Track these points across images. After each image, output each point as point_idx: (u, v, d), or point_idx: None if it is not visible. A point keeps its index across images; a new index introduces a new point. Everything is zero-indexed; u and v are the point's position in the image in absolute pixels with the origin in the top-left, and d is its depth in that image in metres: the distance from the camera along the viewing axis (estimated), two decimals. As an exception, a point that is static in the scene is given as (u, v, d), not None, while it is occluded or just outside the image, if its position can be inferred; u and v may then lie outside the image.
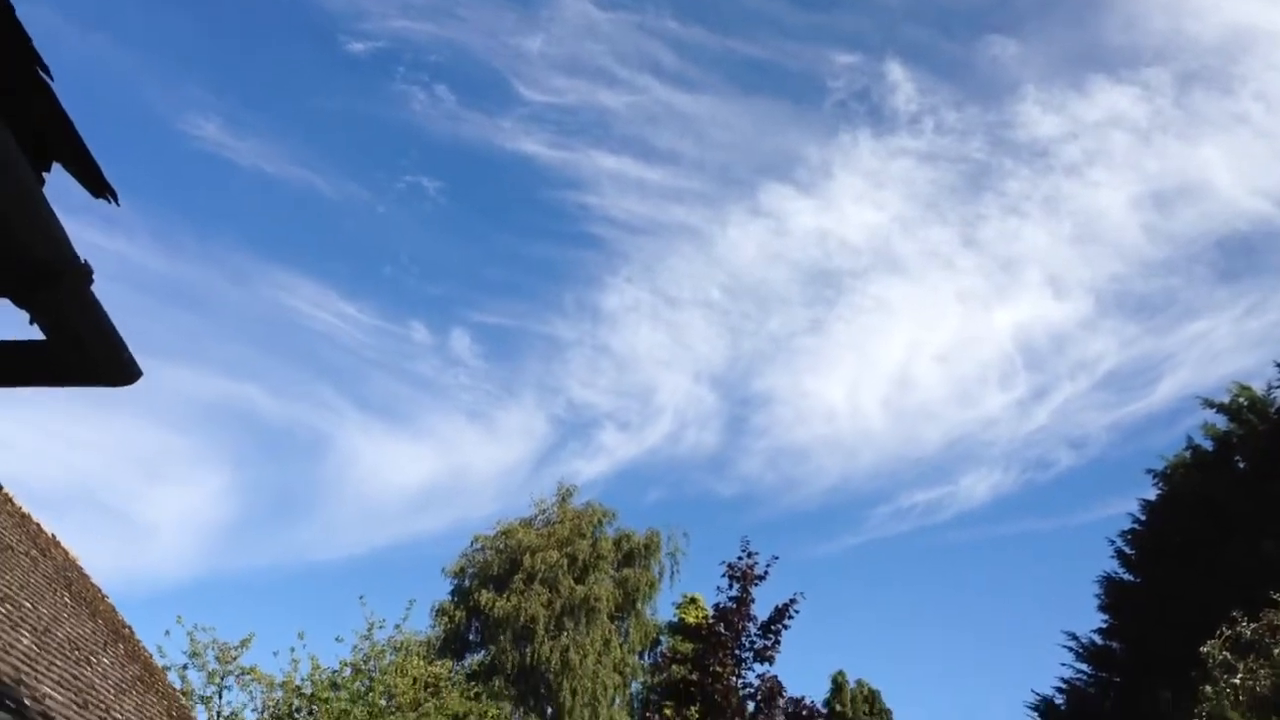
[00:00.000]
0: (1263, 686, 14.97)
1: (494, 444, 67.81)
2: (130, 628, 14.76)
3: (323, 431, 70.59)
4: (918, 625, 69.44)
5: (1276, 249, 63.04)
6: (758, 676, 19.39)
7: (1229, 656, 16.39)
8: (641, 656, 39.68)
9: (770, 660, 19.50)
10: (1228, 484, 24.16)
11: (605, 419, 69.29)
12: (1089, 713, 25.85)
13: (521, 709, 36.64)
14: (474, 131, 73.00)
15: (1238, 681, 15.51)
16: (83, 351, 3.47)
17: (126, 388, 3.92)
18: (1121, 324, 66.97)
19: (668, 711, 21.13)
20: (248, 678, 23.13)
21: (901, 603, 71.96)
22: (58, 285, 3.24)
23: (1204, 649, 17.02)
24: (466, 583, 39.86)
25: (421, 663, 27.50)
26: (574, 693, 36.16)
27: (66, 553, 14.43)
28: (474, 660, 37.74)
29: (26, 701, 7.79)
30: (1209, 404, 26.12)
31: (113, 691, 10.81)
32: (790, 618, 19.62)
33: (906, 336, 70.53)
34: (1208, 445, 26.09)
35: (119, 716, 10.19)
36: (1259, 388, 25.42)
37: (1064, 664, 27.61)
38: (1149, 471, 27.09)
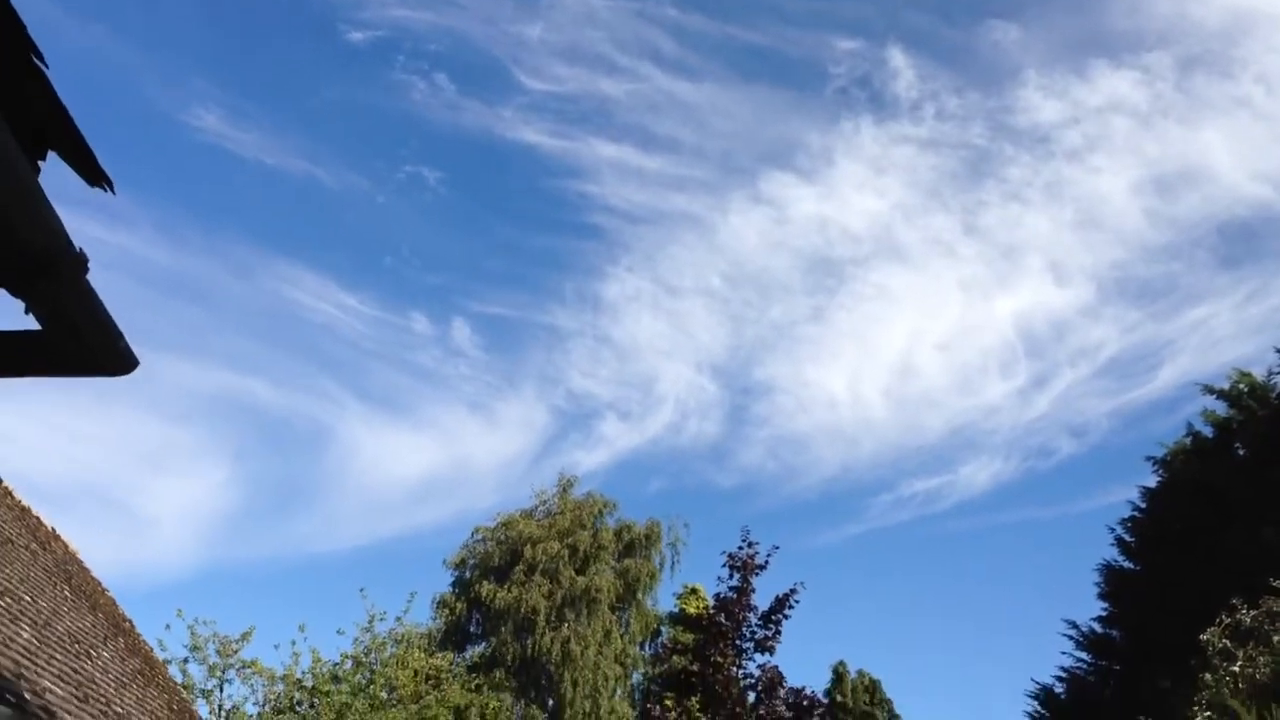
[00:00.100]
0: (1262, 674, 14.97)
1: (495, 435, 67.85)
2: (131, 621, 14.76)
3: (324, 423, 70.62)
4: (918, 615, 69.57)
5: (1277, 234, 63.02)
6: (758, 667, 19.42)
7: (1229, 644, 16.39)
8: (642, 647, 39.71)
9: (771, 650, 19.52)
10: (1228, 471, 24.15)
11: (606, 409, 69.26)
12: (1089, 701, 25.87)
13: (522, 701, 36.68)
14: (474, 121, 72.89)
15: (1237, 669, 15.51)
16: (79, 341, 3.45)
17: (124, 377, 3.90)
18: (1123, 310, 66.99)
19: (668, 702, 21.16)
20: (249, 671, 23.18)
21: (902, 592, 72.03)
22: (54, 274, 3.21)
23: (1204, 636, 17.02)
24: (467, 574, 39.88)
25: (422, 655, 27.58)
26: (575, 684, 36.19)
27: (66, 546, 14.42)
28: (475, 652, 37.77)
29: (27, 695, 7.78)
30: (1209, 390, 26.11)
31: (113, 685, 10.80)
32: (791, 608, 19.63)
33: (908, 325, 70.52)
34: (1208, 432, 26.08)
35: (120, 710, 10.19)
36: (1259, 374, 25.41)
37: (1064, 652, 27.66)
38: (1149, 459, 27.10)
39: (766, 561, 19.95)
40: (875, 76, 68.69)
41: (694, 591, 35.90)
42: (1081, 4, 66.09)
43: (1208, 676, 15.88)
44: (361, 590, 26.79)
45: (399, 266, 73.71)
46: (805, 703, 18.93)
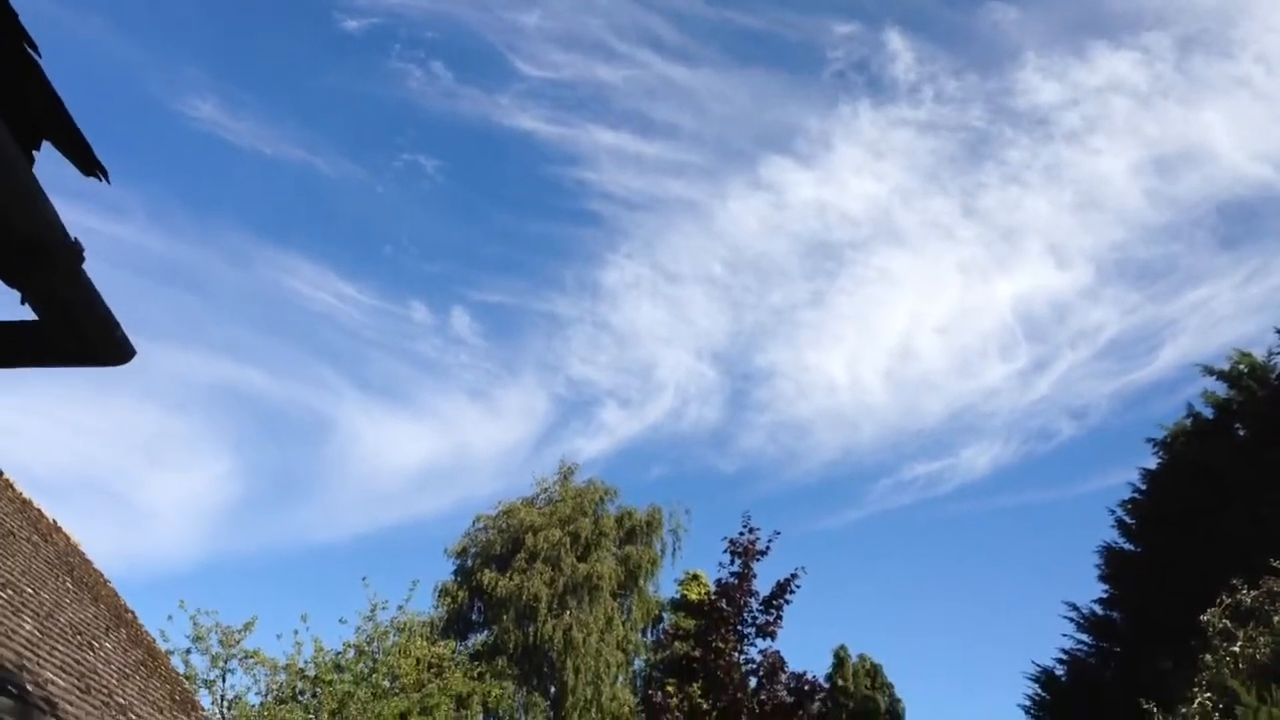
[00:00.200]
0: (1263, 654, 15.00)
1: (495, 423, 67.87)
2: (133, 612, 14.78)
3: (323, 413, 70.63)
4: (920, 599, 69.67)
5: (1277, 214, 62.96)
6: (760, 652, 19.44)
7: (1229, 624, 16.42)
8: (644, 634, 39.81)
9: (772, 636, 19.54)
10: (1228, 452, 24.16)
11: (606, 396, 69.26)
12: (1089, 683, 25.93)
13: (525, 688, 36.78)
14: (471, 108, 72.74)
15: (1238, 649, 15.54)
16: (76, 331, 3.44)
17: (122, 367, 3.89)
18: (1123, 292, 66.95)
19: (670, 688, 21.20)
20: (251, 661, 23.23)
21: (903, 576, 72.13)
22: (49, 264, 3.21)
23: (1204, 617, 17.04)
24: (469, 562, 39.95)
25: (425, 643, 27.64)
26: (577, 671, 36.29)
27: (68, 538, 14.43)
28: (477, 640, 37.88)
29: (29, 687, 7.79)
30: (1209, 371, 26.10)
31: (116, 676, 10.82)
32: (792, 593, 19.64)
33: (907, 308, 70.48)
34: (1208, 413, 26.07)
35: (122, 701, 10.21)
36: (1260, 354, 25.39)
37: (1064, 634, 27.70)
38: (1149, 440, 27.10)
39: (768, 547, 19.96)
40: (873, 60, 68.55)
41: (695, 578, 35.98)
42: (1080, -15, 65.93)
43: (1208, 657, 15.90)
44: (363, 579, 26.84)
45: (397, 255, 73.65)
46: (807, 687, 18.95)
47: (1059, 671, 27.39)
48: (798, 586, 19.68)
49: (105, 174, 3.56)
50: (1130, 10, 64.77)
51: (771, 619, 19.52)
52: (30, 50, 3.14)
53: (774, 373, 70.53)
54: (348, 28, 66.55)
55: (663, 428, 66.56)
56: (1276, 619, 15.27)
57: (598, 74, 68.27)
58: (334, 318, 68.64)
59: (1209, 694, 14.38)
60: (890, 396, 69.00)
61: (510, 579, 37.79)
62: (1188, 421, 26.41)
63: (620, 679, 37.81)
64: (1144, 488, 26.96)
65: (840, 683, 35.79)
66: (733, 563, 19.92)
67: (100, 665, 10.51)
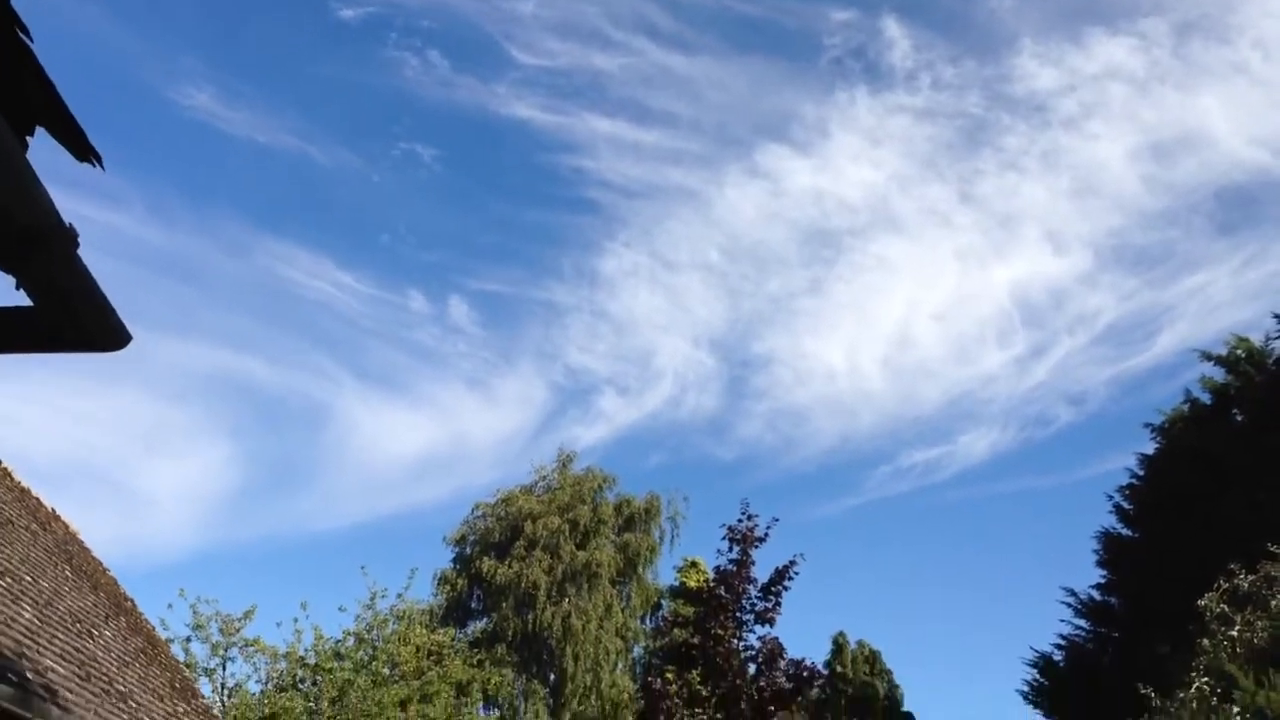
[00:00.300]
0: (1260, 638, 15.04)
1: (493, 411, 67.88)
2: (132, 600, 14.79)
3: (321, 401, 70.61)
4: (918, 585, 69.81)
5: (1274, 199, 62.86)
6: (758, 639, 19.46)
7: (1226, 609, 16.46)
8: (643, 621, 39.90)
9: (771, 622, 19.57)
10: (1225, 437, 24.19)
11: (604, 384, 69.31)
12: (1087, 668, 26.02)
13: (524, 675, 36.87)
14: (468, 97, 72.55)
15: (1235, 634, 15.58)
16: (71, 317, 3.44)
17: (118, 355, 3.88)
18: (1120, 278, 66.92)
19: (669, 675, 21.25)
20: (251, 649, 23.24)
21: (902, 563, 72.26)
22: (44, 250, 3.20)
23: (1201, 602, 17.09)
24: (468, 550, 40.00)
25: (424, 631, 27.68)
26: (576, 658, 36.37)
27: (67, 526, 14.43)
28: (476, 628, 37.95)
29: (29, 675, 7.81)
30: (1207, 357, 26.12)
31: (115, 664, 10.84)
32: (790, 579, 19.66)
33: (905, 295, 70.45)
34: (1205, 398, 26.10)
35: (122, 689, 10.22)
36: (1257, 339, 25.40)
37: (1063, 620, 27.79)
38: (1147, 426, 27.15)
39: (766, 534, 19.97)
40: (870, 47, 68.37)
41: (694, 565, 36.05)
42: (1077, -30, 65.77)
43: (1205, 642, 15.95)
44: (362, 568, 26.82)
45: (395, 244, 73.57)
46: (805, 674, 18.99)
47: (1057, 657, 27.47)
48: (796, 573, 19.70)
49: (99, 160, 3.55)
50: (1128, -5, 64.61)
51: (770, 606, 19.54)
52: (23, 36, 3.13)
53: (772, 360, 70.56)
54: (344, 16, 66.34)
55: (661, 415, 66.61)
56: (1274, 603, 15.31)
57: (594, 62, 68.13)
58: (332, 307, 68.63)
59: (1207, 678, 14.42)
60: (888, 383, 69.07)
61: (509, 567, 37.84)
62: (1185, 407, 26.44)
63: (619, 666, 37.90)
64: (1142, 473, 27.01)
65: (839, 669, 35.87)
66: (731, 550, 19.93)
67: (100, 653, 10.53)
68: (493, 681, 30.54)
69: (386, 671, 23.79)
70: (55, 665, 8.74)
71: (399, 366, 71.52)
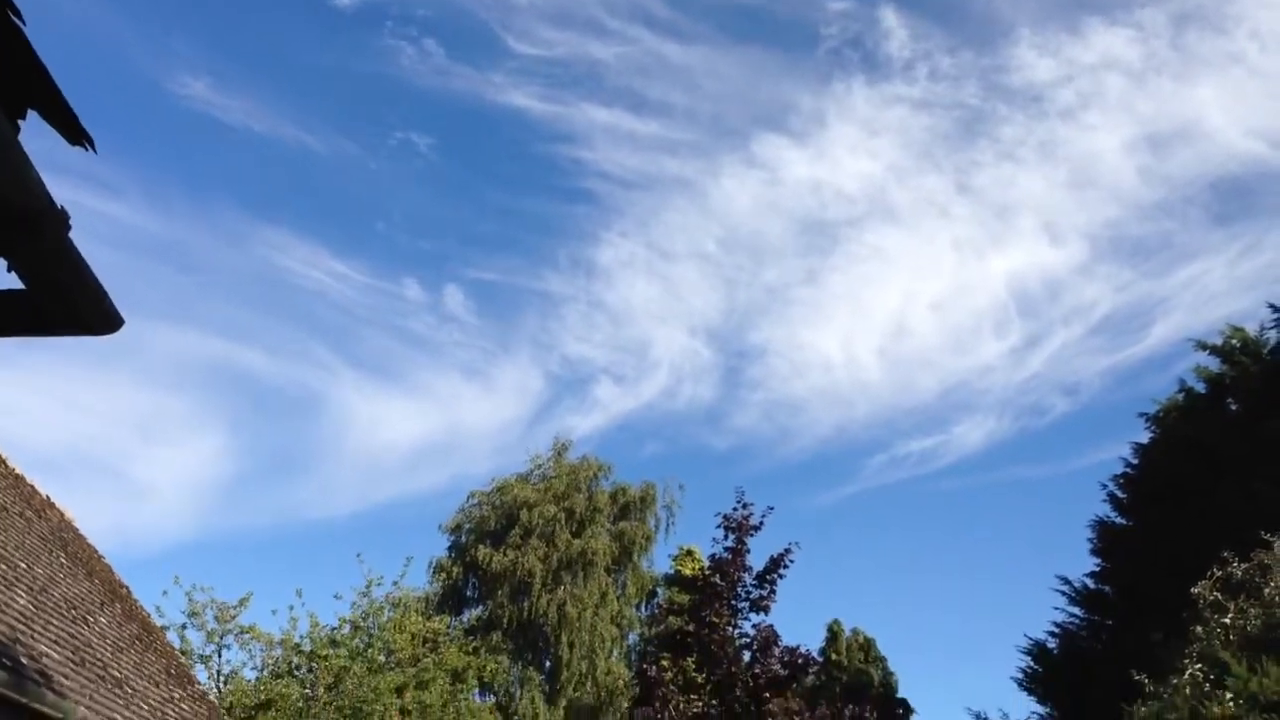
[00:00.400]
0: (1253, 626, 15.08)
1: (489, 400, 67.93)
2: (127, 587, 14.80)
3: (317, 390, 70.62)
4: (913, 573, 70.06)
5: (1270, 190, 62.93)
6: (753, 626, 19.52)
7: (1220, 597, 16.50)
8: (638, 608, 39.97)
9: (766, 610, 19.61)
10: (1220, 426, 24.21)
11: (600, 374, 69.42)
12: (1080, 655, 26.10)
13: (520, 662, 36.94)
14: (464, 86, 72.41)
15: (1228, 621, 15.62)
16: (63, 299, 3.43)
17: (113, 341, 3.88)
18: (1116, 269, 67.00)
19: (664, 662, 21.29)
20: (247, 636, 23.29)
21: (897, 551, 72.51)
22: (36, 232, 3.19)
23: (1195, 590, 17.12)
24: (463, 539, 40.03)
25: (420, 618, 27.73)
26: (572, 645, 36.43)
27: (62, 514, 14.43)
28: (472, 615, 38.01)
29: (24, 659, 7.81)
30: (1202, 346, 26.10)
31: (110, 650, 10.85)
32: (785, 567, 19.70)
33: (901, 286, 70.53)
34: (1200, 388, 26.11)
35: (117, 674, 10.23)
36: (1252, 330, 25.40)
37: (1057, 608, 27.85)
38: (1141, 415, 27.17)
39: (761, 522, 20.00)
40: (867, 37, 68.33)
41: (689, 553, 36.09)
42: (1074, -40, 65.63)
43: (1198, 629, 15.99)
44: (358, 555, 26.86)
45: (391, 233, 73.52)
46: (800, 661, 19.04)
47: (1051, 644, 27.55)
48: (791, 561, 19.74)
49: (91, 143, 3.53)
50: (1125, -15, 64.48)
51: (765, 593, 19.59)
52: (15, 19, 3.11)
53: (768, 350, 70.65)
54: (340, 5, 66.24)
55: (657, 405, 66.71)
56: (1267, 591, 15.35)
57: (591, 51, 68.03)
58: (327, 295, 68.60)
59: (1200, 665, 14.46)
60: (884, 373, 69.17)
61: (505, 555, 37.88)
62: (1180, 396, 26.46)
63: (615, 653, 37.97)
64: (1136, 462, 27.05)
65: (834, 656, 35.98)
66: (726, 538, 19.96)
67: (95, 639, 10.54)
68: (488, 669, 30.55)
69: (382, 659, 23.83)
70: (50, 651, 8.75)
71: (395, 355, 71.58)
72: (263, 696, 21.75)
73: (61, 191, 3.29)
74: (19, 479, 13.81)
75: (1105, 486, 27.63)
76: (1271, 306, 24.62)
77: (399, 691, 22.89)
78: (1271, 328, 24.72)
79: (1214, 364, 25.88)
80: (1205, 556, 17.73)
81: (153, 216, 65.81)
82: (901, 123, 66.84)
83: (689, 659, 20.07)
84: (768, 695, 18.29)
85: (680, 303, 71.22)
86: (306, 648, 23.01)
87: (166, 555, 58.46)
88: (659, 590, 38.87)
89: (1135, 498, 26.69)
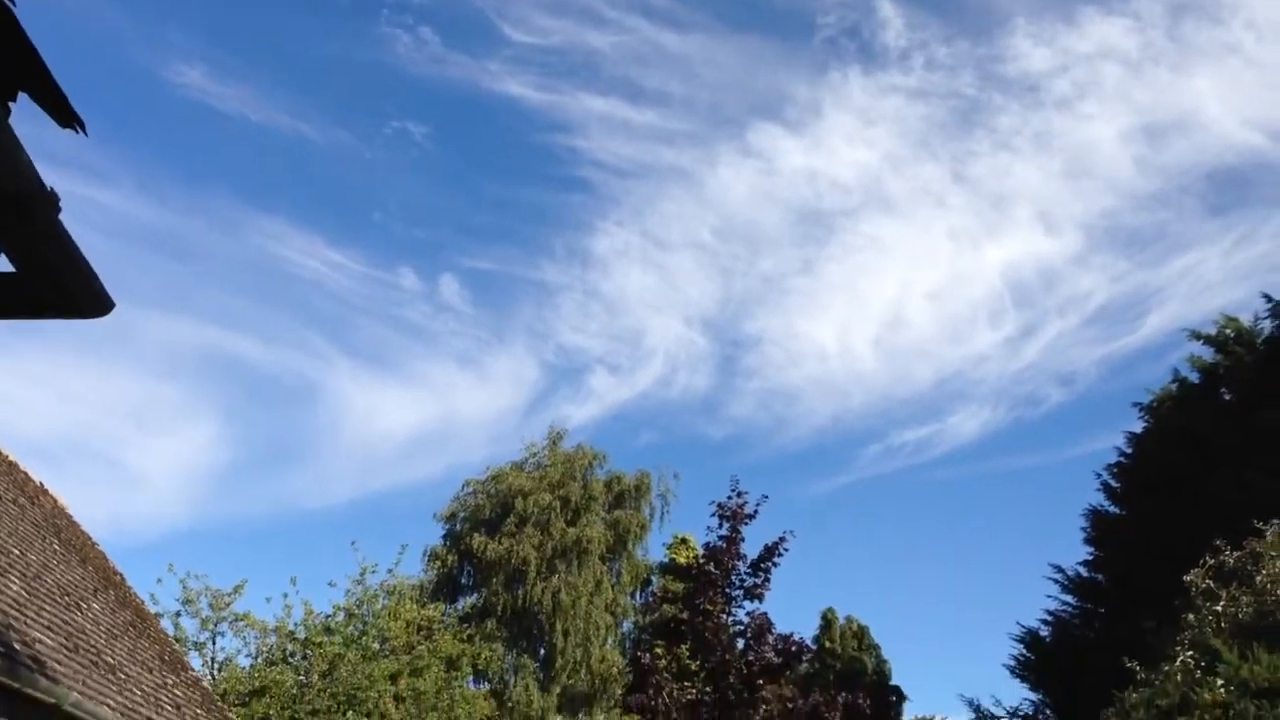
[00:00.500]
0: (1245, 613, 15.15)
1: (485, 390, 67.92)
2: (121, 574, 14.79)
3: (312, 379, 70.59)
4: (908, 561, 70.22)
5: (1266, 180, 63.00)
6: (747, 614, 19.53)
7: (1212, 585, 16.57)
8: (633, 597, 40.01)
9: (760, 598, 19.63)
10: (1213, 416, 24.27)
11: (596, 363, 69.36)
12: (1073, 643, 26.20)
13: (514, 650, 36.98)
14: (460, 74, 72.29)
15: (1220, 609, 15.69)
16: (54, 282, 3.42)
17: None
18: (1111, 259, 67.12)
19: (659, 650, 21.36)
20: (241, 624, 23.31)
21: (892, 540, 72.67)
22: (26, 214, 3.18)
23: (1187, 578, 17.19)
24: (458, 527, 40.01)
25: (414, 606, 27.75)
26: (566, 633, 36.48)
27: (55, 501, 14.41)
28: (466, 603, 38.04)
29: (16, 646, 7.81)
30: (1196, 336, 26.16)
31: (104, 637, 10.84)
32: (780, 556, 19.71)
33: (897, 275, 70.59)
34: (1194, 378, 26.16)
35: (110, 661, 10.23)
36: (1246, 319, 25.45)
37: (1050, 596, 27.96)
38: (1135, 405, 27.24)
39: (756, 511, 20.00)
40: (864, 26, 68.29)
41: (684, 541, 36.17)
42: (1071, -51, 65.52)
43: (1190, 617, 16.05)
44: (353, 543, 26.95)
45: (387, 222, 73.38)
46: (793, 648, 19.07)
47: (1044, 632, 27.67)
48: (785, 550, 19.75)
49: (82, 126, 3.52)
50: (1122, -26, 64.42)
51: (759, 582, 19.61)
52: (4, 1, 3.10)
53: (763, 340, 70.69)
54: (335, -10, 65.91)
55: (652, 395, 66.75)
56: (1259, 579, 15.42)
57: (587, 40, 67.88)
58: (323, 285, 68.49)
59: (1191, 652, 14.52)
60: (879, 363, 69.24)
61: (499, 543, 37.89)
62: (1174, 386, 26.51)
63: (609, 641, 38.02)
64: (1129, 451, 27.12)
65: (827, 644, 36.10)
66: (721, 527, 19.97)
67: (88, 625, 10.53)
68: (483, 656, 30.63)
69: (377, 646, 23.86)
70: (43, 637, 8.74)
71: (390, 344, 71.53)
72: (257, 683, 21.78)
73: (55, 179, 3.28)
74: (12, 466, 13.79)
75: (1099, 476, 27.74)
76: (1266, 297, 24.69)
77: (393, 679, 22.92)
78: (1265, 318, 24.79)
79: (1208, 354, 25.95)
80: (1198, 545, 17.78)
81: (147, 205, 65.72)
82: (897, 112, 66.85)
83: (683, 646, 20.11)
84: (761, 683, 18.32)
85: (676, 292, 71.25)
86: (301, 635, 23.03)
87: (161, 544, 58.50)
88: (653, 578, 38.93)
89: (1129, 487, 26.76)
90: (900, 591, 69.24)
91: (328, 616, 23.65)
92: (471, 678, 32.11)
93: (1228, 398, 25.10)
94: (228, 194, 71.97)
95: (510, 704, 34.67)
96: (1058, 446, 74.49)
